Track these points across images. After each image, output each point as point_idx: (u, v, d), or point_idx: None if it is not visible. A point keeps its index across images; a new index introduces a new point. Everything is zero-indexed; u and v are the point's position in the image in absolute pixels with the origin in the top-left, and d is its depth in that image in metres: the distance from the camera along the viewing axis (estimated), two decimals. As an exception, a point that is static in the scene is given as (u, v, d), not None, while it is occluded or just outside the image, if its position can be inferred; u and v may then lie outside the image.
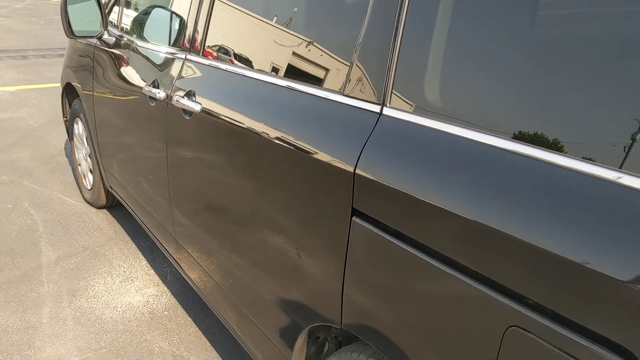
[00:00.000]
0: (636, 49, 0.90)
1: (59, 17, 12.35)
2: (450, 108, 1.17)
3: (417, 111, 1.25)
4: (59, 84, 6.64)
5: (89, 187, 3.74)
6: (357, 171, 1.34)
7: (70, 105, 3.91)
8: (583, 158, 0.94)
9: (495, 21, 1.11)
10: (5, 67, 7.55)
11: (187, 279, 2.47)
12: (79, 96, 3.59)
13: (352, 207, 1.37)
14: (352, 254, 1.38)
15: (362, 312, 1.37)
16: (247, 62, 1.89)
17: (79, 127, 3.68)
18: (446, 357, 1.14)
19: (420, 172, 1.18)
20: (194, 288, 2.41)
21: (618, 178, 0.89)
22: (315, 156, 1.46)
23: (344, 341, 1.78)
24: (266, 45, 1.81)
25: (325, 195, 1.44)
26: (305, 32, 1.68)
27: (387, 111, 1.34)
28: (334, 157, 1.41)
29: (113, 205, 3.75)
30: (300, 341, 1.71)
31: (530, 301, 0.97)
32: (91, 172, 3.65)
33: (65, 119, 4.05)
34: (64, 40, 9.35)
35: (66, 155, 4.61)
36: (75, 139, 3.83)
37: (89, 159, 3.63)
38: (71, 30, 2.90)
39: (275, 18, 1.82)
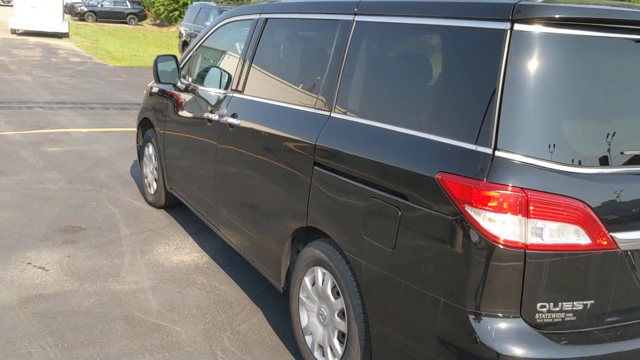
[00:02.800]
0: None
1: (116, 78, 14.33)
2: (361, 111, 2.61)
3: (346, 114, 2.69)
4: (121, 129, 8.27)
5: (153, 193, 5.20)
6: (317, 144, 2.77)
7: (143, 135, 5.42)
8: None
9: (376, 66, 2.57)
10: (77, 115, 9.27)
11: (221, 235, 3.86)
12: (151, 127, 5.10)
13: (314, 161, 2.78)
14: (313, 185, 2.78)
15: (318, 215, 2.75)
16: (262, 95, 3.38)
17: (149, 149, 5.19)
18: (361, 227, 2.53)
19: (346, 143, 2.61)
20: (225, 239, 3.80)
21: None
22: (298, 137, 2.90)
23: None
24: (271, 86, 3.31)
25: (303, 158, 2.86)
26: (294, 75, 3.18)
27: (333, 115, 2.78)
28: (306, 139, 2.84)
29: (169, 206, 5.17)
30: (287, 244, 3.07)
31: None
32: (155, 181, 5.11)
33: (138, 145, 5.57)
34: (122, 97, 11.15)
35: (132, 175, 6.11)
36: (145, 158, 5.33)
37: (155, 171, 5.11)
38: (159, 79, 4.46)
39: (278, 69, 3.34)
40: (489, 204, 2.01)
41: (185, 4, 29.39)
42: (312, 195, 2.81)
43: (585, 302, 2.09)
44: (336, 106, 2.77)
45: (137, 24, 34.86)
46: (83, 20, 33.57)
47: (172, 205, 5.14)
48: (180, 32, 19.61)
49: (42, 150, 6.87)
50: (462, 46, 2.25)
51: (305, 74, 3.16)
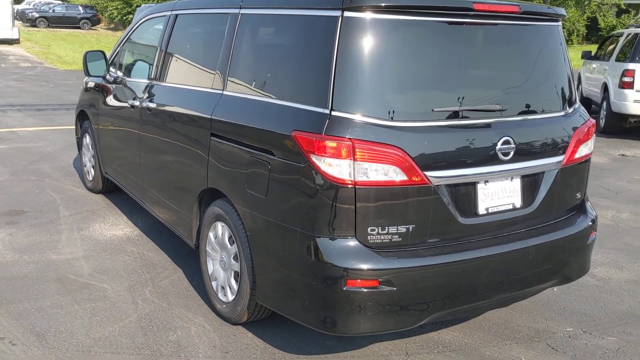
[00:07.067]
0: None
1: (66, 81, 14.58)
2: (243, 88, 3.17)
3: (233, 91, 3.24)
4: (67, 127, 8.65)
5: (91, 179, 5.67)
6: (212, 117, 3.31)
7: (81, 126, 5.88)
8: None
9: (254, 50, 3.14)
10: (25, 116, 9.61)
11: (148, 209, 4.37)
12: (88, 119, 5.56)
13: (211, 132, 3.33)
14: (211, 152, 3.32)
15: (215, 177, 3.30)
16: (173, 80, 3.92)
17: (86, 139, 5.66)
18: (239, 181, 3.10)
19: (232, 114, 3.17)
20: (152, 213, 4.31)
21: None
22: (198, 113, 3.45)
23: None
24: (179, 72, 3.86)
25: (202, 130, 3.41)
26: (196, 62, 3.73)
27: (225, 93, 3.33)
28: (204, 112, 3.39)
29: (107, 191, 5.64)
30: (195, 206, 3.61)
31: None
32: (93, 168, 5.58)
33: (77, 136, 6.02)
34: (70, 99, 11.48)
35: (74, 167, 6.54)
36: (83, 148, 5.79)
37: (92, 159, 5.57)
38: (88, 72, 4.93)
39: (185, 57, 3.88)
40: (327, 152, 2.59)
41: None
42: (210, 162, 3.35)
43: (407, 226, 2.69)
44: (227, 85, 3.32)
45: (91, 29, 34.78)
46: (35, 26, 33.33)
47: (110, 190, 5.61)
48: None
49: (-12, 147, 7.25)
50: (309, 31, 2.84)
51: (204, 59, 3.70)
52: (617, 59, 9.88)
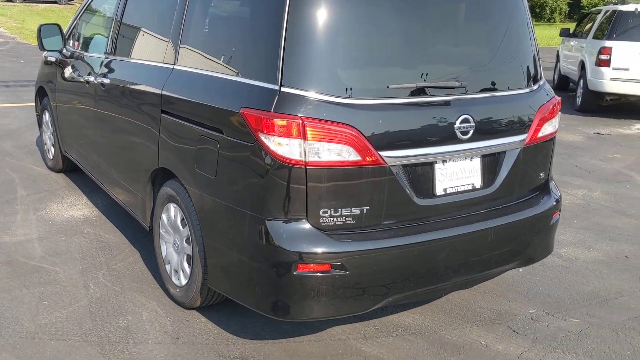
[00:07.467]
0: None
1: (37, 57, 14.14)
2: (194, 62, 3.01)
3: (184, 66, 3.08)
4: (33, 104, 8.38)
5: (51, 158, 5.47)
6: (162, 93, 3.16)
7: (41, 103, 5.66)
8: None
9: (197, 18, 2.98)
10: (-10, 92, 9.31)
11: (105, 189, 4.21)
12: (47, 95, 5.35)
13: (161, 109, 3.17)
14: (162, 130, 3.17)
15: (166, 157, 3.15)
16: (126, 55, 3.74)
17: (46, 116, 5.45)
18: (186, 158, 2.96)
19: (182, 90, 3.01)
20: (109, 193, 4.16)
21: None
22: (149, 89, 3.29)
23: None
24: (132, 46, 3.70)
25: (153, 107, 3.25)
26: (149, 35, 3.55)
27: (176, 67, 3.17)
28: (154, 87, 3.23)
29: (68, 170, 5.45)
30: (149, 187, 3.46)
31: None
32: (53, 146, 5.38)
33: (37, 113, 5.80)
34: (40, 75, 11.15)
35: (36, 145, 6.33)
36: (43, 125, 5.58)
37: (52, 137, 5.37)
38: (43, 46, 4.71)
39: (138, 31, 3.70)
40: (276, 130, 2.46)
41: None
42: (161, 140, 3.20)
43: (361, 208, 2.58)
44: (178, 59, 3.16)
45: (68, 3, 33.79)
46: (11, 0, 32.36)
47: (71, 169, 5.42)
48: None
49: (-52, 125, 6.99)
50: (258, 9, 2.70)
51: (157, 32, 3.52)
52: (595, 37, 9.79)
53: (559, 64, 12.02)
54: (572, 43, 11.15)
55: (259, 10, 2.70)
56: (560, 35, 12.00)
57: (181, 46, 3.15)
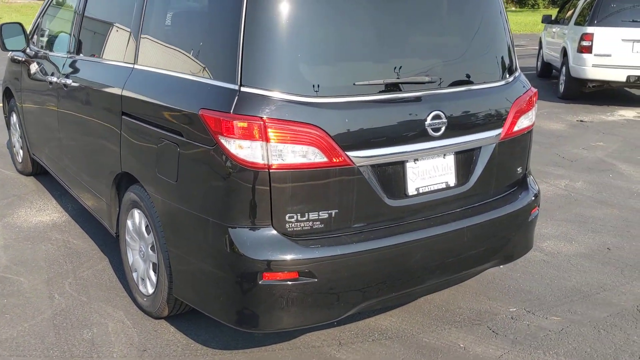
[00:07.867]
0: None
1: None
2: (153, 61, 2.86)
3: (144, 65, 2.93)
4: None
5: (20, 161, 5.30)
6: (123, 94, 3.01)
7: (8, 104, 5.48)
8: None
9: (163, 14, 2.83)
10: (-38, 93, 9.07)
11: (72, 194, 4.05)
12: (14, 96, 5.17)
13: (122, 111, 3.02)
14: (123, 133, 3.03)
15: (128, 161, 3.01)
16: (88, 55, 3.59)
17: (14, 118, 5.27)
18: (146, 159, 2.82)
19: (142, 90, 2.86)
20: (76, 197, 4.00)
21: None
22: (110, 90, 3.14)
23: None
24: (94, 45, 3.55)
25: (114, 108, 3.10)
26: (111, 34, 3.41)
27: (136, 66, 3.02)
28: (115, 88, 3.08)
29: (38, 173, 5.28)
30: (113, 192, 3.32)
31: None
32: (22, 149, 5.21)
33: (5, 115, 5.62)
34: (15, 73, 10.90)
35: (7, 148, 6.14)
36: (11, 127, 5.40)
37: (20, 139, 5.19)
38: (5, 47, 4.53)
39: (98, 30, 3.55)
40: (236, 133, 2.33)
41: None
42: (122, 143, 3.06)
43: (330, 212, 2.46)
44: (138, 58, 3.01)
45: None
46: (-13, -3, 31.81)
47: (41, 172, 5.25)
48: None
49: None
50: (215, 4, 2.56)
51: (117, 31, 3.37)
52: (577, 23, 9.71)
53: (541, 51, 11.95)
54: (554, 30, 11.07)
55: (216, 5, 2.56)
56: (542, 22, 11.91)
57: (141, 44, 3.00)
